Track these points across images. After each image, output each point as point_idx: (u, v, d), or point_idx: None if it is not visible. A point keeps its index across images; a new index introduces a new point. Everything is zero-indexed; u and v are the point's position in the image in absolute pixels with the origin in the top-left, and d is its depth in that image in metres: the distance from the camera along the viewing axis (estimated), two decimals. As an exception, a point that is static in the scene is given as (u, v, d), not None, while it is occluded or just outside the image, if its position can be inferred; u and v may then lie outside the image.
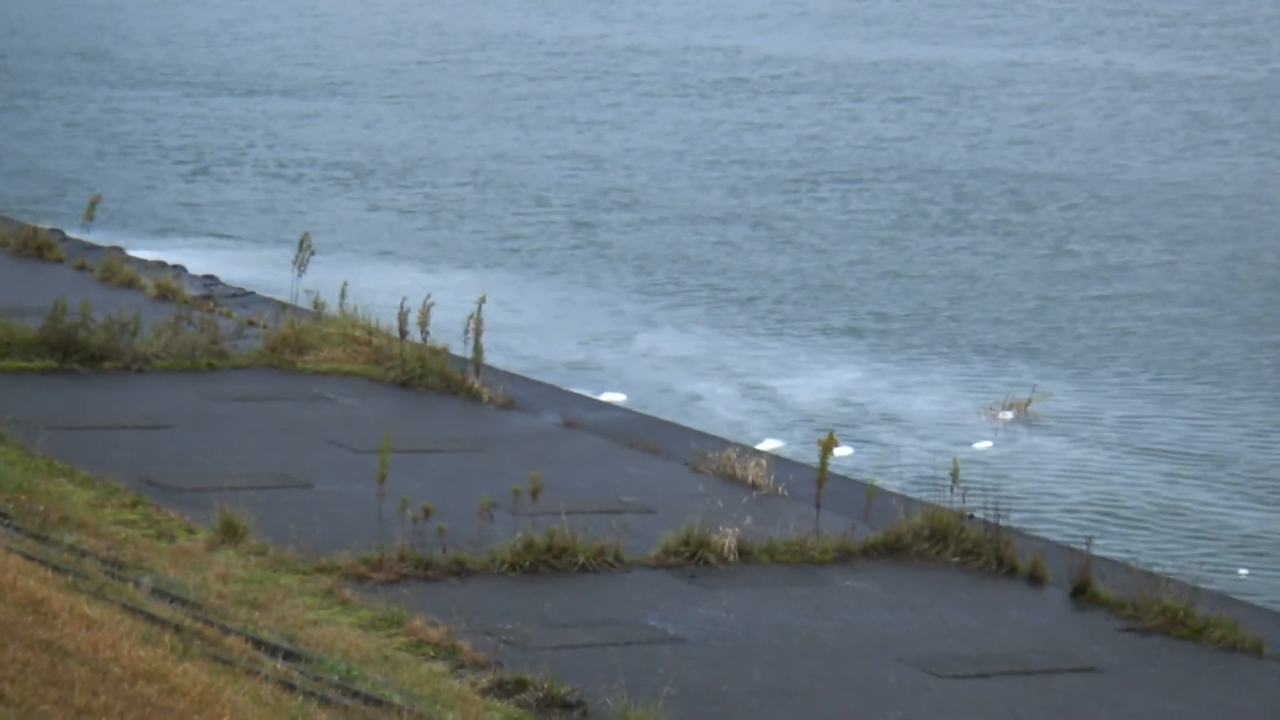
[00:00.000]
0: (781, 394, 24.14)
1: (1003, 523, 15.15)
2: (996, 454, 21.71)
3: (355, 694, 10.43)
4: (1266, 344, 27.40)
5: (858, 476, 17.39)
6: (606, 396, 22.20)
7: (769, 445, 20.36)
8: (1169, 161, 42.30)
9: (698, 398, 23.88)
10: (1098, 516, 20.13)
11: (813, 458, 15.59)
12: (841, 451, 20.76)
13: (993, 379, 25.33)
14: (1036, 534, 16.81)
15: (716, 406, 23.45)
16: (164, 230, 34.31)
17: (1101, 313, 29.28)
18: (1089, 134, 45.91)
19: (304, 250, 20.32)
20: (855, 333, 27.56)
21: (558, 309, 28.71)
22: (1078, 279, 31.51)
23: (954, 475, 15.35)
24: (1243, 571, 17.69)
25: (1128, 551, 18.16)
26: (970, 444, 21.98)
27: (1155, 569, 15.10)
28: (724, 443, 17.86)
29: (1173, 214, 36.80)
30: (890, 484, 17.15)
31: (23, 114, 47.45)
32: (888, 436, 22.39)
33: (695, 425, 20.06)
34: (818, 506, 15.37)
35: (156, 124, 46.36)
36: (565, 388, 21.46)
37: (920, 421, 23.29)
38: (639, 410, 20.51)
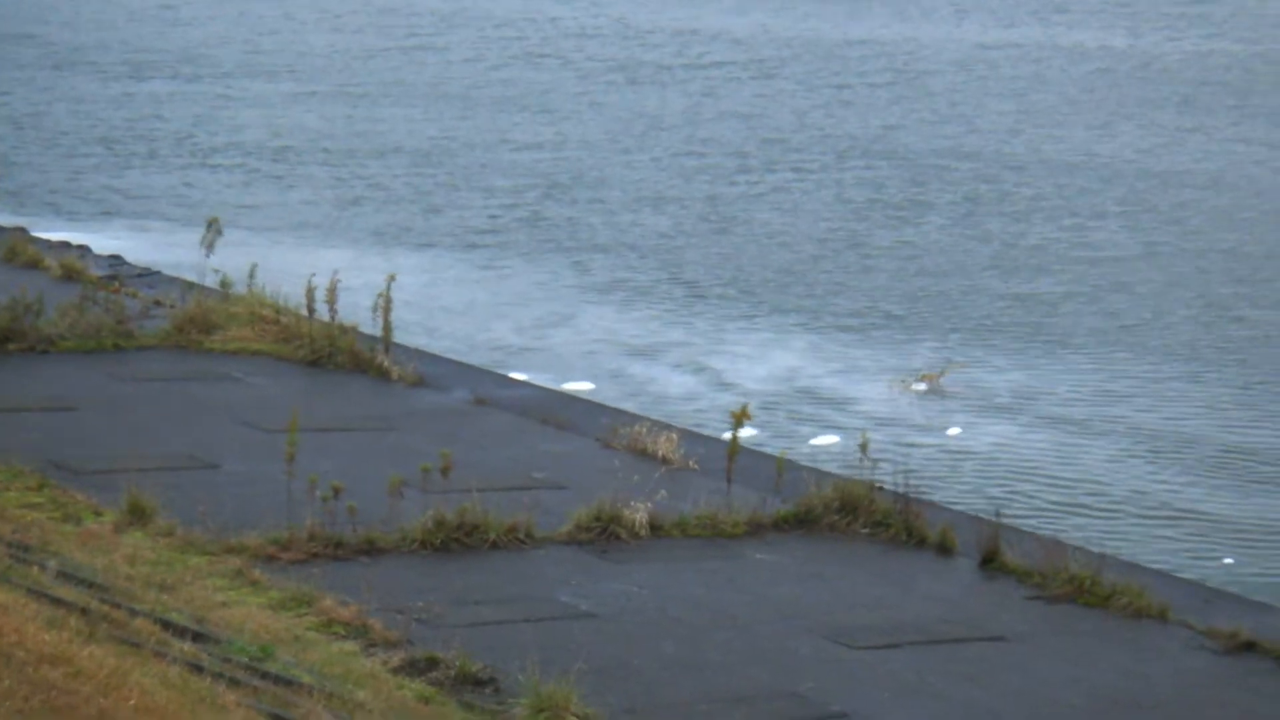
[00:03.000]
0: (726, 378, 24.13)
1: (912, 494, 15.22)
2: (963, 441, 21.72)
3: (265, 675, 10.38)
4: (1209, 322, 27.46)
5: (840, 465, 17.37)
6: (570, 386, 22.13)
7: (747, 433, 20.39)
8: (1131, 141, 42.32)
9: (649, 381, 23.85)
10: (1006, 486, 20.25)
11: (774, 443, 15.63)
12: (828, 439, 20.80)
13: (922, 354, 25.39)
14: (946, 505, 16.90)
15: (666, 391, 23.39)
16: (78, 214, 34.01)
17: (1034, 292, 29.37)
18: (1059, 115, 45.88)
19: (212, 231, 20.18)
20: (799, 313, 27.48)
21: (505, 293, 28.59)
22: (1014, 261, 31.60)
23: (863, 448, 15.40)
24: (1228, 560, 17.78)
25: (1039, 520, 18.26)
26: (944, 429, 22.01)
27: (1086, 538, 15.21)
28: (634, 418, 17.88)
29: (1139, 196, 36.90)
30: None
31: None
32: (824, 416, 22.38)
33: (656, 414, 19.90)
34: (729, 480, 15.40)
35: (85, 107, 45.94)
36: (477, 365, 21.39)
37: (838, 397, 23.34)
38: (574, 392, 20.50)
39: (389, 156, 40.16)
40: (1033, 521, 17.92)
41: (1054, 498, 19.94)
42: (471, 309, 27.49)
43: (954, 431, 22.02)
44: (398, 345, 19.65)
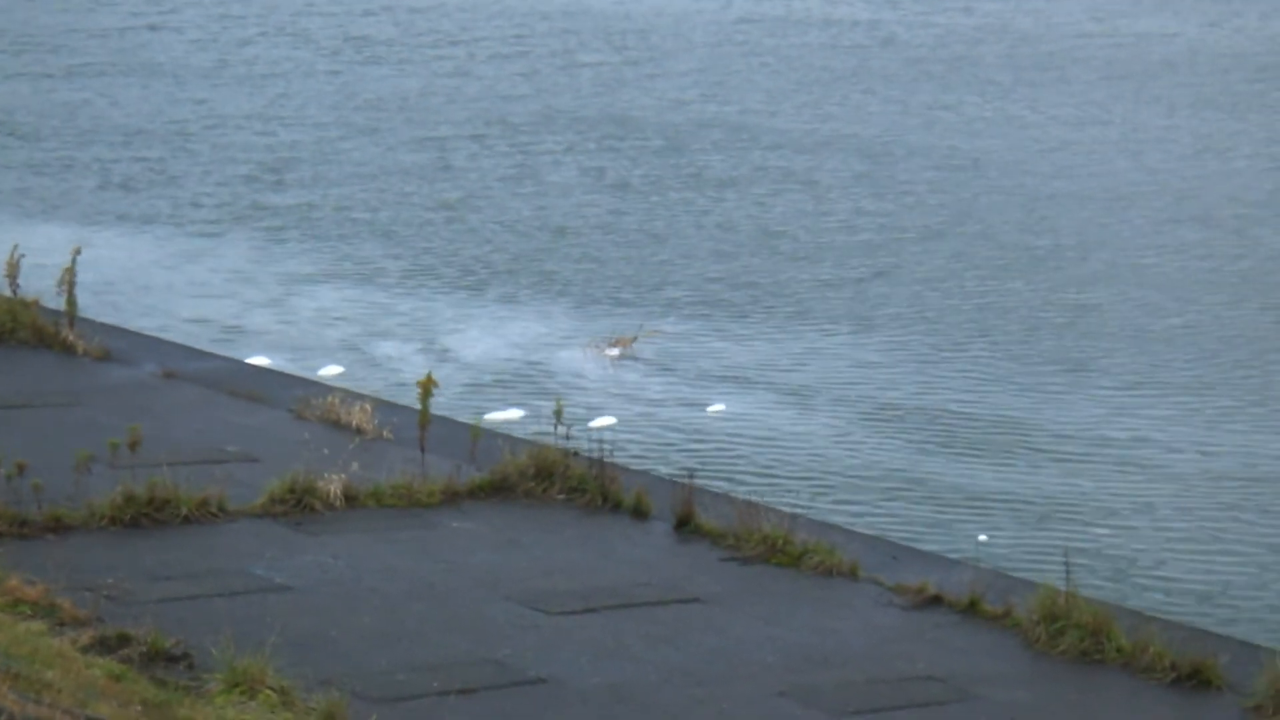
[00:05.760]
0: (451, 356, 23.85)
1: (607, 458, 15.31)
2: (728, 417, 21.67)
3: (-52, 657, 10.13)
4: (951, 301, 27.57)
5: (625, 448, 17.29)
6: (325, 371, 21.74)
7: (510, 415, 20.21)
8: (891, 121, 42.11)
9: (376, 359, 23.48)
10: (698, 448, 20.45)
11: (536, 425, 15.51)
12: (605, 420, 20.73)
13: (607, 319, 25.40)
14: (644, 469, 17.03)
15: (392, 368, 23.04)
16: None
17: (731, 258, 29.49)
18: (813, 91, 45.54)
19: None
20: (533, 298, 27.12)
21: (226, 273, 27.92)
22: (708, 226, 31.70)
23: (557, 414, 15.46)
24: (982, 537, 18.00)
25: (731, 481, 18.45)
26: (704, 406, 21.96)
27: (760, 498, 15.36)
28: (327, 389, 17.74)
29: (821, 162, 37.01)
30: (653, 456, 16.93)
31: None
32: (546, 389, 22.20)
33: (385, 392, 19.47)
34: (422, 449, 15.36)
35: None
36: (166, 339, 21.01)
37: (555, 370, 23.28)
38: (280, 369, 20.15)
39: (106, 135, 39.06)
40: (786, 501, 17.92)
41: (785, 470, 19.99)
42: (190, 289, 26.91)
43: (717, 408, 21.99)
44: (86, 320, 19.26)
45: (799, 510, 15.35)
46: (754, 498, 15.53)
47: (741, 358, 24.25)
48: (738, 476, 19.20)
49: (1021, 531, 18.38)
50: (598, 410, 21.22)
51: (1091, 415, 22.12)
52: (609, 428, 20.22)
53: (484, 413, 19.85)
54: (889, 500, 19.17)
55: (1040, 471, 20.18)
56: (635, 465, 17.26)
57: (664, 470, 17.78)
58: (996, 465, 20.37)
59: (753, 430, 21.28)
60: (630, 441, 19.97)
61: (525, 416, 20.12)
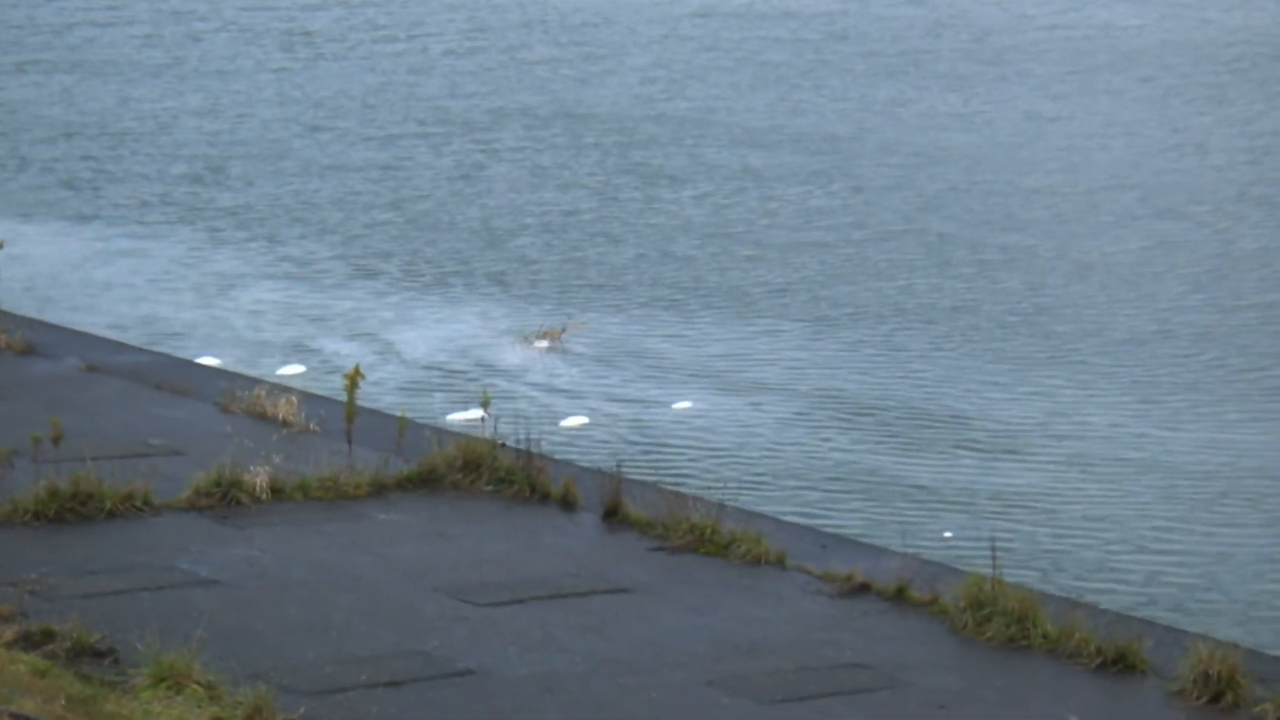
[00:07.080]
0: (395, 351, 23.69)
1: (535, 449, 15.29)
2: (691, 412, 21.59)
3: None
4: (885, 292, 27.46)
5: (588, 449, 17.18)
6: (285, 370, 21.59)
7: (472, 415, 20.13)
8: (854, 116, 41.62)
9: (313, 355, 23.31)
10: (632, 439, 20.47)
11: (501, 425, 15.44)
12: (577, 420, 20.66)
13: (555, 318, 25.30)
14: (572, 460, 17.02)
15: (332, 363, 22.86)
16: None
17: (663, 251, 29.40)
18: (759, 83, 45.17)
19: None
20: (484, 295, 26.92)
21: (164, 270, 27.67)
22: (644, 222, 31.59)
23: (484, 404, 15.44)
24: (947, 534, 18.00)
25: (658, 472, 18.45)
26: (669, 404, 21.89)
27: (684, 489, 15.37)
28: (253, 381, 17.66)
29: (779, 158, 36.74)
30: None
31: None
32: (489, 383, 22.06)
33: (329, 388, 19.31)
34: (349, 441, 15.31)
35: None
36: (89, 332, 20.86)
37: (497, 365, 23.22)
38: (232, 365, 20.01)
39: (50, 131, 38.58)
40: (654, 471, 17.95)
41: (738, 467, 19.90)
42: (138, 287, 26.65)
43: (683, 406, 21.91)
44: (7, 314, 19.12)
45: (749, 505, 15.35)
46: (693, 490, 15.52)
47: (680, 352, 24.23)
48: (690, 474, 19.19)
49: (975, 524, 18.41)
50: (546, 404, 21.20)
51: (1048, 412, 22.11)
52: (581, 428, 20.25)
53: (434, 411, 19.83)
54: (843, 494, 19.21)
55: (992, 468, 20.19)
56: (590, 462, 17.23)
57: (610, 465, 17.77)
58: (947, 461, 20.39)
59: (704, 426, 21.26)
60: (580, 436, 19.98)
61: (487, 417, 20.07)
